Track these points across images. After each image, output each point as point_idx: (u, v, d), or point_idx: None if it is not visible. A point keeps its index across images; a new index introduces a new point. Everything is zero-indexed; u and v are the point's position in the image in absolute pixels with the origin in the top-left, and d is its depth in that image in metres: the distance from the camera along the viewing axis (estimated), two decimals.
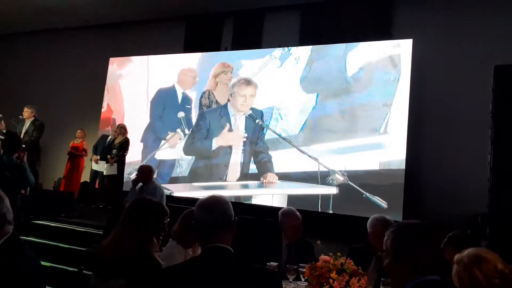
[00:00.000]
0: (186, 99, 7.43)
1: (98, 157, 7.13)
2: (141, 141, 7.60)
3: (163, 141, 7.40)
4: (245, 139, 6.68)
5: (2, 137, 5.78)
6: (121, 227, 2.17)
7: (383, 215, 2.92)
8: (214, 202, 1.63)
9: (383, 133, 5.83)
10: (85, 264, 3.65)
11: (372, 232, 2.82)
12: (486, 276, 1.59)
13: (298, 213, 3.26)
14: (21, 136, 6.51)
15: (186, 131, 7.19)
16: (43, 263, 4.70)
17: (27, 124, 6.78)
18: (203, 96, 7.25)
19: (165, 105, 7.60)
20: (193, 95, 7.37)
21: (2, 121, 6.84)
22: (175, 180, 7.12)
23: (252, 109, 6.75)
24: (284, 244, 3.18)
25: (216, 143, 6.85)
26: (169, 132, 7.40)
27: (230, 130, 6.80)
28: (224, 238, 1.57)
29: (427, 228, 1.51)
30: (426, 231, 1.50)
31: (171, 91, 7.59)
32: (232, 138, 6.76)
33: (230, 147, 6.75)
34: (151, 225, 2.13)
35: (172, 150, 7.27)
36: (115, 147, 6.78)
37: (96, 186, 7.21)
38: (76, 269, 4.00)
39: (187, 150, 7.09)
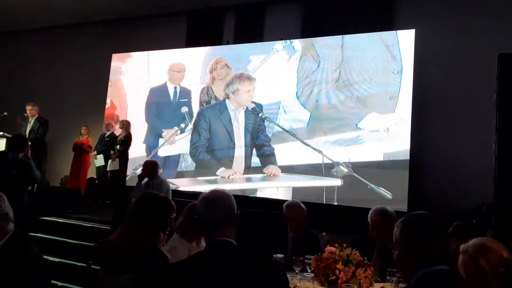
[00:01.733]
0: (183, 93, 7.49)
1: (95, 152, 7.24)
2: (144, 142, 7.59)
3: (160, 139, 7.48)
4: (245, 133, 6.71)
5: (9, 135, 5.83)
6: (128, 222, 2.18)
7: (384, 206, 2.94)
8: (217, 198, 1.63)
9: (388, 124, 5.82)
10: (93, 259, 3.69)
11: (370, 223, 2.86)
12: (491, 265, 1.60)
13: (302, 205, 3.26)
14: (27, 134, 6.56)
15: (190, 126, 7.21)
16: (51, 258, 4.79)
17: (32, 121, 6.82)
18: (202, 92, 7.27)
19: (159, 103, 7.69)
20: (191, 88, 7.44)
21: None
22: (181, 175, 7.15)
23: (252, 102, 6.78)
24: (290, 237, 3.19)
25: (219, 141, 6.90)
26: (163, 130, 7.50)
27: (231, 124, 6.81)
28: (227, 232, 1.58)
29: (436, 219, 1.54)
30: (434, 222, 1.53)
31: (163, 88, 7.68)
32: (233, 132, 6.78)
33: (233, 142, 6.77)
34: (157, 220, 2.15)
35: (174, 145, 7.32)
36: (118, 143, 6.84)
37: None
38: (85, 264, 4.05)
39: (194, 158, 7.10)
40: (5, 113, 7.11)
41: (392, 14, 6.39)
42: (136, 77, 8.03)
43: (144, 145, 7.62)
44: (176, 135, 7.32)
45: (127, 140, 6.80)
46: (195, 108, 7.32)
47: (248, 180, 6.61)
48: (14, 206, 3.97)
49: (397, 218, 2.84)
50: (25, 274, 1.84)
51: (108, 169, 6.90)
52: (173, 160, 7.29)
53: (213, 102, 7.17)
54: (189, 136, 7.22)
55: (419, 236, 1.49)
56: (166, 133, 7.46)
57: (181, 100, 7.45)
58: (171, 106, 7.53)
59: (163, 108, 7.64)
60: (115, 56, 8.36)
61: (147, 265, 1.99)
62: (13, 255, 1.85)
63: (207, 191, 1.68)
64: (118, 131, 7.21)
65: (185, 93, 7.46)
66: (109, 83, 8.31)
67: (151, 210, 2.15)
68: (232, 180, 6.66)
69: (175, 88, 7.57)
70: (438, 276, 1.43)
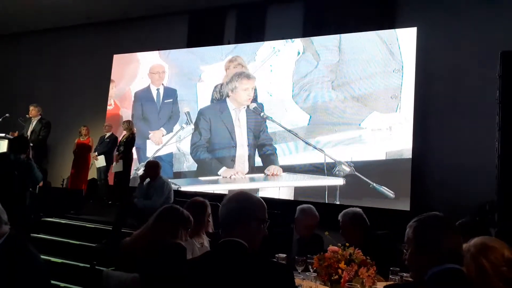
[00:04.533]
0: (167, 94, 7.54)
1: (96, 153, 7.24)
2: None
3: (148, 141, 7.58)
4: (248, 132, 6.70)
5: (11, 137, 5.84)
6: (150, 228, 2.31)
7: (355, 209, 3.05)
8: (234, 197, 1.66)
9: (390, 123, 5.81)
10: (96, 259, 3.69)
11: (341, 224, 2.99)
12: (493, 264, 1.59)
13: (316, 213, 3.19)
14: (28, 135, 6.57)
15: (192, 126, 7.21)
16: (54, 259, 4.79)
17: (34, 122, 6.83)
18: (215, 89, 7.24)
19: (144, 106, 7.79)
20: (176, 87, 7.54)
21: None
22: (180, 175, 7.15)
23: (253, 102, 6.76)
24: (296, 239, 3.15)
25: (220, 140, 6.90)
26: (149, 132, 7.57)
27: (232, 124, 6.80)
28: (241, 233, 1.57)
29: (448, 220, 1.56)
30: (447, 222, 1.55)
31: (147, 91, 7.79)
32: (235, 132, 6.77)
33: (234, 141, 6.76)
34: (179, 230, 2.29)
35: (171, 145, 7.34)
36: (121, 143, 6.82)
37: (111, 182, 7.17)
38: (88, 265, 4.05)
39: (195, 158, 7.10)
40: (7, 115, 7.13)
41: (394, 12, 6.37)
42: (140, 77, 8.03)
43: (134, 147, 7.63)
44: (164, 135, 7.37)
45: (130, 141, 6.79)
46: (181, 107, 7.42)
47: (250, 180, 6.61)
48: (16, 207, 3.99)
49: (356, 217, 2.96)
50: (22, 276, 1.83)
51: (113, 171, 6.88)
52: (167, 161, 7.28)
53: (223, 99, 7.18)
54: (188, 138, 7.22)
55: (435, 235, 1.51)
56: (152, 134, 7.53)
57: (165, 101, 7.52)
58: (155, 108, 7.62)
59: (148, 110, 7.74)
60: (118, 57, 8.36)
61: (164, 257, 2.06)
62: (9, 257, 1.85)
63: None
64: (122, 132, 7.21)
65: (170, 93, 7.53)
66: (113, 84, 8.31)
67: (172, 222, 2.29)
68: (234, 180, 6.66)
69: (157, 89, 7.67)
70: (451, 274, 1.45)
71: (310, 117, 6.32)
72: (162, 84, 7.68)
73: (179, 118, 7.40)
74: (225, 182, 6.65)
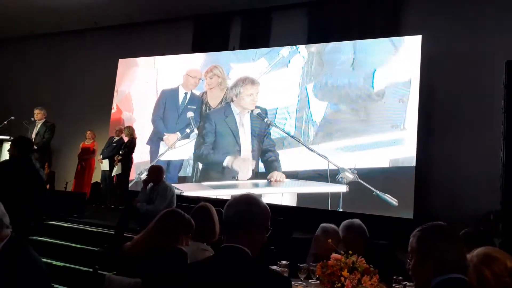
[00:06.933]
0: (192, 100, 7.48)
1: (101, 156, 7.28)
2: (147, 143, 7.63)
3: (161, 142, 7.55)
4: (252, 137, 6.70)
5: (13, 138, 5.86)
6: (150, 232, 2.30)
7: (356, 221, 2.99)
8: (237, 201, 1.59)
9: (395, 130, 5.79)
10: (98, 263, 3.68)
11: (344, 238, 2.90)
12: (495, 275, 1.58)
13: (340, 235, 2.98)
14: (33, 138, 6.59)
15: (196, 131, 7.22)
16: (56, 263, 4.78)
17: (38, 125, 6.85)
18: (200, 97, 7.36)
19: (165, 106, 7.72)
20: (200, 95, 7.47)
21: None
22: (185, 180, 7.16)
23: (257, 107, 6.77)
24: (312, 252, 3.01)
25: (224, 144, 6.89)
26: (165, 134, 7.53)
27: (236, 128, 6.81)
28: (244, 239, 1.52)
29: (452, 229, 1.55)
30: (451, 232, 1.54)
31: (174, 92, 7.69)
32: (239, 136, 6.77)
33: (239, 145, 6.76)
34: (179, 235, 2.26)
35: (178, 150, 7.32)
36: (123, 148, 6.92)
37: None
38: (91, 269, 4.05)
39: (198, 157, 7.11)
40: (12, 118, 7.15)
41: (399, 20, 6.38)
42: (144, 82, 8.07)
43: (148, 146, 7.65)
44: (179, 139, 7.35)
45: (129, 145, 6.85)
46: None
47: (253, 185, 6.60)
48: (18, 210, 3.99)
49: (361, 230, 2.89)
50: (22, 280, 1.83)
51: (113, 174, 6.96)
52: (176, 165, 7.30)
53: (204, 108, 7.19)
54: (193, 142, 7.23)
55: (439, 245, 1.50)
56: (167, 137, 7.51)
57: (188, 107, 7.48)
58: (177, 111, 7.56)
59: (169, 111, 7.67)
60: (123, 61, 8.41)
61: (165, 261, 2.05)
62: (10, 260, 1.85)
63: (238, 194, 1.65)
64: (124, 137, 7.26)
65: (195, 100, 7.46)
66: (116, 88, 8.35)
67: (173, 226, 2.27)
68: (237, 185, 6.65)
69: (185, 93, 7.59)
70: (455, 284, 1.44)
71: (315, 124, 6.31)
72: (191, 90, 7.61)
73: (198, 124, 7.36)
74: (229, 187, 6.64)
